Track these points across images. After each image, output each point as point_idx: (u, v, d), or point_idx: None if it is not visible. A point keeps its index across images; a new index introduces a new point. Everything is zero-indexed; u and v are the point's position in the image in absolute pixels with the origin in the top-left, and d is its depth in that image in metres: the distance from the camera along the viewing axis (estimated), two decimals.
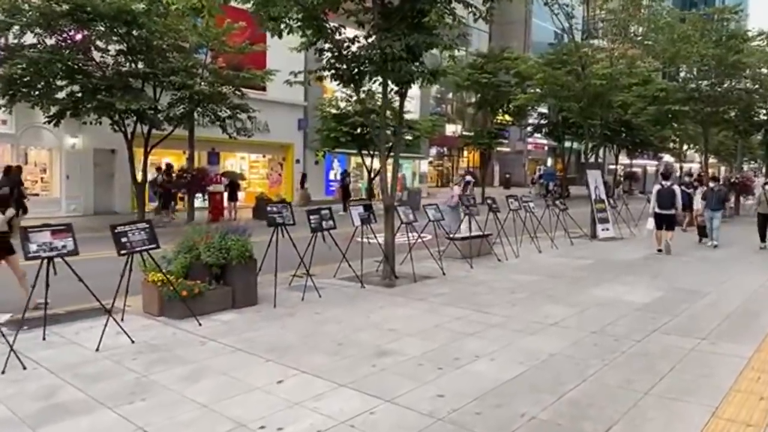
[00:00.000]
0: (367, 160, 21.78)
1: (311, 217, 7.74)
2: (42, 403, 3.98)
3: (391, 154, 9.50)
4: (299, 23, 7.88)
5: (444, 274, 8.93)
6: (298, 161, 24.69)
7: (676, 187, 11.72)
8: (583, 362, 4.85)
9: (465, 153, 39.84)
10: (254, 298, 6.88)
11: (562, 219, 13.07)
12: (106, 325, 5.27)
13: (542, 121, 34.08)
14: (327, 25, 8.08)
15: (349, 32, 8.48)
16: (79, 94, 14.02)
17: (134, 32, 13.91)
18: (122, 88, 13.89)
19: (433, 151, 37.71)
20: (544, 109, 32.51)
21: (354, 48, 8.23)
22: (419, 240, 9.35)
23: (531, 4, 37.36)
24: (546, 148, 44.16)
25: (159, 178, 16.75)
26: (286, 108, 23.28)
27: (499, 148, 35.46)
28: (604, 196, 14.42)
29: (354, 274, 8.18)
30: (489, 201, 11.41)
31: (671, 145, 39.54)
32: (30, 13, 13.07)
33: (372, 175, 21.88)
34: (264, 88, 21.07)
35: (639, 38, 15.38)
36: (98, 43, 14.19)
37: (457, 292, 7.72)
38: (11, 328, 5.36)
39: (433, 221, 9.57)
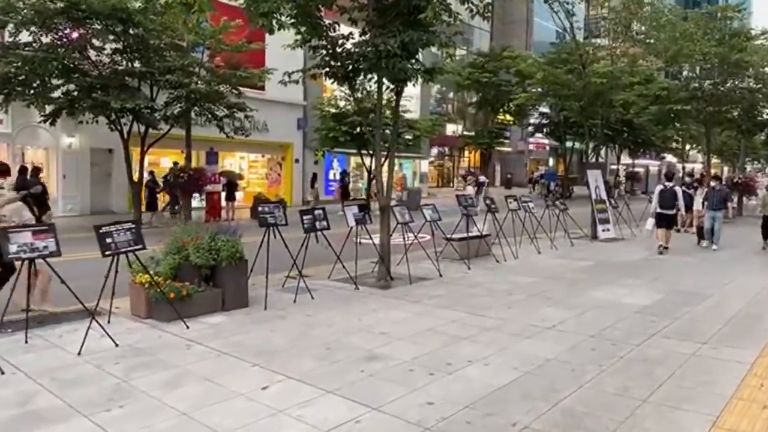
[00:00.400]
0: (367, 160, 21.63)
1: (304, 217, 7.59)
2: (16, 410, 3.84)
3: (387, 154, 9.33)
4: (293, 20, 7.73)
5: (441, 275, 8.77)
6: (297, 161, 24.57)
7: (678, 188, 11.98)
8: (580, 368, 4.69)
9: (466, 153, 39.65)
10: (245, 300, 6.73)
11: (562, 219, 12.90)
12: (89, 328, 5.14)
13: (543, 121, 33.92)
14: (321, 22, 7.93)
15: (344, 29, 8.33)
16: (75, 93, 13.92)
17: (131, 31, 13.82)
18: (118, 87, 13.78)
19: (434, 151, 37.56)
20: (545, 109, 32.35)
21: (348, 45, 8.08)
22: (416, 241, 9.20)
23: (532, 3, 37.24)
24: (548, 148, 43.95)
25: (147, 178, 16.52)
26: (285, 107, 23.14)
27: (500, 148, 35.38)
28: (604, 196, 14.25)
29: (348, 276, 8.03)
30: (488, 201, 11.27)
31: (673, 145, 39.30)
32: (25, 11, 12.97)
33: (371, 175, 21.73)
34: (263, 87, 20.92)
35: (641, 36, 15.20)
36: (94, 41, 14.09)
37: (453, 294, 7.57)
38: None
39: (430, 221, 9.42)
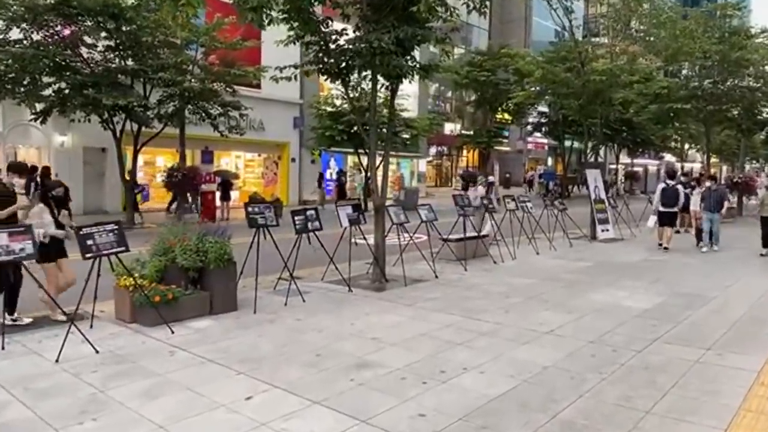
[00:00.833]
0: (364, 159, 21.42)
1: (296, 217, 7.39)
2: None
3: (381, 153, 9.11)
4: (284, 15, 7.52)
5: (436, 277, 8.57)
6: (293, 160, 24.34)
7: (680, 187, 11.92)
8: (579, 376, 4.49)
9: (464, 152, 39.44)
10: (233, 304, 6.52)
11: (561, 219, 12.71)
12: (67, 334, 4.93)
13: (542, 120, 33.72)
14: (314, 17, 7.71)
15: (338, 25, 8.12)
16: (67, 91, 13.69)
17: (123, 28, 13.60)
18: (110, 85, 13.55)
19: (433, 150, 37.34)
20: (544, 108, 32.16)
21: (342, 41, 7.87)
22: (411, 242, 9.01)
23: (531, 1, 37.05)
24: (546, 147, 43.78)
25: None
26: (282, 106, 22.90)
27: (498, 148, 35.12)
28: (604, 196, 14.06)
29: (342, 278, 7.82)
30: (485, 201, 11.08)
31: (672, 144, 39.15)
32: (15, 7, 12.75)
33: (368, 174, 21.51)
34: (258, 86, 20.68)
35: (641, 34, 15.00)
36: (86, 38, 13.87)
37: (449, 296, 7.37)
38: None
39: (426, 222, 9.22)
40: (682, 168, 36.64)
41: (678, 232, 12.50)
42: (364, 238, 8.20)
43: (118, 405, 3.87)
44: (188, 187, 16.02)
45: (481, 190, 12.37)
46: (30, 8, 12.59)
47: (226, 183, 18.07)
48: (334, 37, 7.94)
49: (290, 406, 3.89)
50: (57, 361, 4.69)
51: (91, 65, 13.99)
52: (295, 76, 8.10)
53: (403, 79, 8.26)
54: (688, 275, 9.03)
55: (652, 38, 15.05)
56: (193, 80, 15.04)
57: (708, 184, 12.03)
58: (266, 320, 6.10)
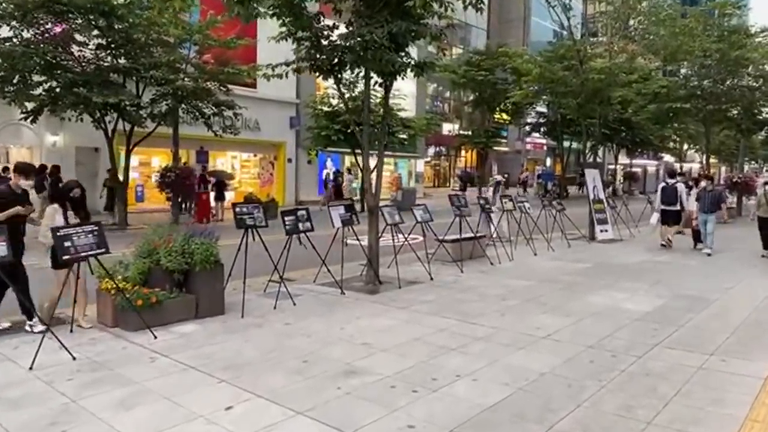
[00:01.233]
0: (361, 160, 21.21)
1: (286, 218, 7.18)
2: None
3: (373, 152, 8.90)
4: (275, 9, 7.31)
5: (432, 278, 8.37)
6: (290, 160, 24.12)
7: (680, 185, 11.78)
8: (577, 384, 4.29)
9: (463, 152, 39.25)
10: (221, 307, 6.32)
11: (559, 220, 12.52)
12: (42, 339, 4.72)
13: (540, 120, 33.54)
14: (305, 12, 7.51)
15: (329, 21, 7.91)
16: (57, 90, 13.47)
17: (116, 26, 13.39)
18: (101, 83, 13.33)
19: (432, 150, 37.15)
20: (542, 108, 31.99)
21: (334, 36, 7.67)
22: (406, 243, 8.81)
23: (530, 0, 36.89)
24: (545, 147, 43.61)
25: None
26: (278, 105, 22.71)
27: (497, 148, 34.95)
28: (602, 196, 13.88)
29: (335, 280, 7.61)
30: (482, 201, 10.88)
31: (671, 144, 38.99)
32: (4, 4, 12.53)
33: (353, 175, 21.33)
34: (254, 85, 20.51)
35: (639, 33, 14.81)
36: (78, 37, 13.66)
37: (444, 299, 7.17)
38: None
39: (421, 222, 9.03)
40: (681, 168, 36.53)
41: (680, 232, 12.29)
42: (357, 239, 7.99)
43: (90, 416, 3.67)
44: (182, 187, 15.80)
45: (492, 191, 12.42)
46: (19, 5, 12.38)
47: (221, 183, 17.86)
48: (326, 32, 7.74)
49: (272, 417, 3.69)
50: (31, 368, 4.49)
51: (83, 64, 13.78)
52: (287, 74, 7.89)
53: (398, 77, 8.07)
54: (689, 277, 8.83)
55: (651, 36, 14.86)
56: (186, 79, 14.82)
57: (704, 184, 11.68)
58: (254, 324, 5.90)
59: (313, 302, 6.91)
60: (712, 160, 36.02)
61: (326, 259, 7.60)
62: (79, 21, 13.24)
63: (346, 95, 12.97)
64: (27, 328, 5.43)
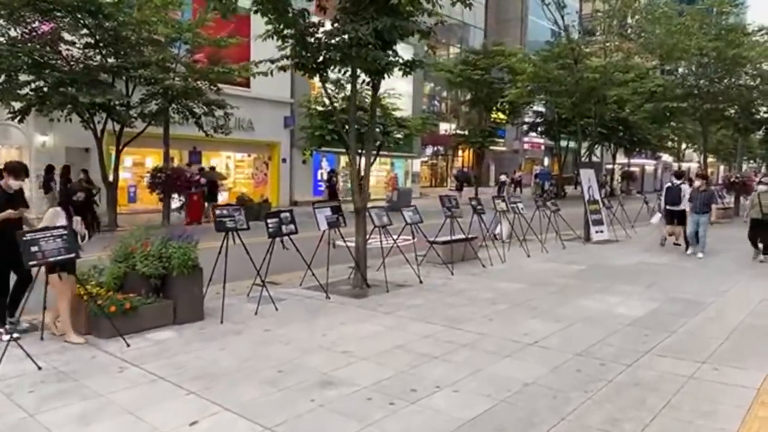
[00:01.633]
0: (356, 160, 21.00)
1: (269, 220, 6.99)
2: None
3: (364, 152, 8.71)
4: (258, 6, 7.12)
5: (421, 282, 8.19)
6: (284, 160, 23.91)
7: (684, 186, 11.67)
8: (562, 395, 4.11)
9: (460, 152, 39.06)
10: (200, 313, 6.13)
11: (554, 221, 12.34)
12: (6, 347, 4.52)
13: (537, 120, 33.36)
14: (290, 9, 7.31)
15: (314, 19, 7.72)
16: (45, 89, 13.28)
17: (106, 24, 13.19)
18: (89, 83, 13.13)
19: (429, 150, 36.96)
20: (540, 108, 31.81)
21: (319, 33, 7.47)
22: (395, 245, 8.63)
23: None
24: (543, 147, 43.43)
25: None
26: (272, 105, 22.48)
27: (494, 148, 34.78)
28: (598, 196, 13.69)
29: (320, 284, 7.41)
30: (474, 202, 10.69)
31: (669, 144, 38.81)
32: None
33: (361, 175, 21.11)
34: (248, 85, 20.29)
35: (636, 31, 14.64)
36: (66, 35, 13.45)
37: (432, 303, 6.98)
38: None
39: (411, 224, 8.84)
40: (680, 167, 36.37)
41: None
42: (344, 242, 7.80)
43: None
44: (173, 188, 15.59)
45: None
46: (5, 3, 12.18)
47: (213, 184, 17.65)
48: (311, 30, 7.55)
49: None
50: None
51: (71, 63, 13.57)
52: (271, 72, 7.71)
53: (386, 75, 7.87)
54: (684, 279, 8.65)
55: (646, 35, 14.68)
56: (176, 78, 14.62)
57: (697, 183, 11.23)
58: (232, 331, 5.71)
59: (296, 307, 6.72)
60: (710, 160, 35.88)
61: (317, 261, 7.40)
62: (67, 19, 13.04)
63: (339, 95, 12.88)
64: None
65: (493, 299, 7.20)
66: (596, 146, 21.65)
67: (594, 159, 24.95)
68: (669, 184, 12.12)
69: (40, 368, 4.52)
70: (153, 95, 14.63)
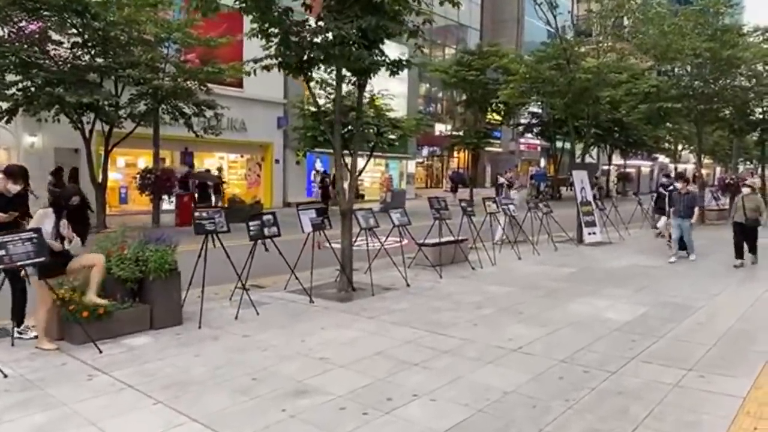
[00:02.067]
0: (348, 161, 20.87)
1: (251, 223, 6.86)
2: None
3: (359, 152, 8.60)
4: (242, 4, 6.99)
5: (408, 285, 8.05)
6: (277, 161, 23.78)
7: (691, 188, 11.45)
8: (542, 404, 3.98)
9: (456, 153, 38.98)
10: (178, 317, 5.99)
11: (546, 222, 12.22)
12: None
13: (533, 121, 33.28)
14: (274, 7, 7.18)
15: (298, 17, 7.60)
16: (32, 89, 13.13)
17: (95, 24, 13.05)
18: (76, 82, 12.99)
19: (425, 151, 36.86)
20: (535, 109, 31.73)
21: (304, 32, 7.34)
22: (382, 248, 8.51)
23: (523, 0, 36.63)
24: (539, 148, 43.36)
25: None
26: (265, 105, 22.36)
27: (490, 149, 34.72)
28: (590, 198, 13.58)
29: (303, 288, 7.27)
30: (463, 204, 10.56)
31: (666, 145, 38.74)
32: None
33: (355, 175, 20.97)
34: (240, 85, 20.18)
35: (628, 30, 14.54)
36: (54, 35, 13.31)
37: (417, 307, 6.85)
38: None
39: (399, 226, 8.72)
40: (676, 169, 36.31)
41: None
42: (329, 244, 7.67)
43: None
44: (162, 189, 15.46)
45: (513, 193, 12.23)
46: None
47: (204, 185, 17.51)
48: (297, 29, 7.42)
49: None
50: None
51: (59, 63, 13.43)
52: (255, 71, 7.59)
53: (372, 75, 7.76)
54: (675, 282, 8.53)
55: (640, 35, 14.57)
56: (165, 78, 14.48)
57: (679, 185, 10.73)
58: (210, 337, 5.57)
59: (278, 311, 6.59)
60: (707, 161, 35.76)
61: (304, 264, 7.26)
62: (54, 19, 12.90)
63: (331, 96, 12.76)
64: None
65: (479, 303, 7.07)
66: (592, 147, 21.53)
67: (590, 160, 24.81)
68: (660, 190, 12.17)
69: (5, 376, 4.39)
70: (142, 95, 14.49)
